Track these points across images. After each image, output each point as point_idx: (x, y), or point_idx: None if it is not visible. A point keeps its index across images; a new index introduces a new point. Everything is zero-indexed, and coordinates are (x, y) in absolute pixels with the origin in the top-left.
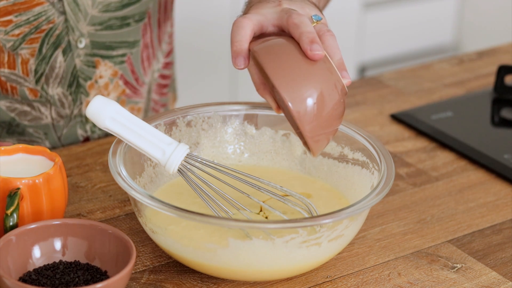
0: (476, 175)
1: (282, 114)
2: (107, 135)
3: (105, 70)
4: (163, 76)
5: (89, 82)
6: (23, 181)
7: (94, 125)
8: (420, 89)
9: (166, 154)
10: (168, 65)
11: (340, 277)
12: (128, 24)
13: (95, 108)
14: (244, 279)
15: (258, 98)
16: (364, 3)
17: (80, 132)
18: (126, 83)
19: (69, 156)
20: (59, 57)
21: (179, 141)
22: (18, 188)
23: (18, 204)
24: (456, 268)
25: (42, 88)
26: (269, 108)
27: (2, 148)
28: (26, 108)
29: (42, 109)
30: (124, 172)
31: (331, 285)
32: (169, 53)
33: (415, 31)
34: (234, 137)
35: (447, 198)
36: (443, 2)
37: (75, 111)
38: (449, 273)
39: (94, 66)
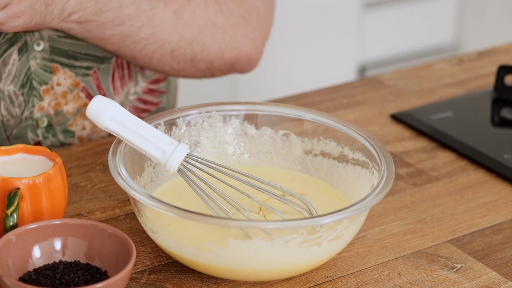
0: (476, 175)
1: (283, 114)
2: (61, 143)
3: (64, 78)
4: (143, 101)
5: (44, 87)
6: (23, 181)
7: (47, 131)
8: (420, 89)
9: (166, 154)
10: (154, 92)
11: (340, 277)
12: None
13: (95, 108)
14: (244, 279)
15: (258, 98)
16: (364, 3)
17: (30, 135)
18: (89, 96)
19: (69, 156)
20: (13, 55)
21: (179, 141)
22: (18, 188)
23: (18, 204)
24: (456, 268)
25: None
26: (269, 108)
27: (2, 148)
28: None
29: None
30: (124, 172)
31: (331, 285)
32: (159, 81)
33: (415, 31)
34: (234, 137)
35: (447, 198)
36: (443, 2)
37: (26, 113)
38: (449, 273)
39: (51, 71)
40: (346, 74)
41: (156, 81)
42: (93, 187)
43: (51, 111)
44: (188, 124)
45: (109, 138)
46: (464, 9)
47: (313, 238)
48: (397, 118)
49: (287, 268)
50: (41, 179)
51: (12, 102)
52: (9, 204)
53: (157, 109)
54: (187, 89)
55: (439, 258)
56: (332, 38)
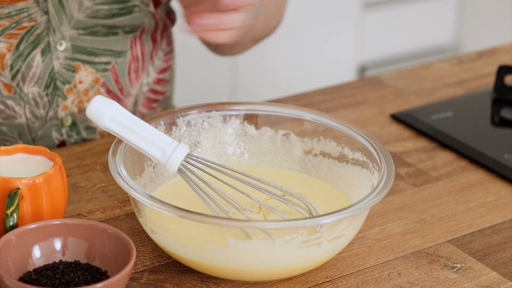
0: (476, 175)
1: (283, 114)
2: (84, 140)
3: (85, 75)
4: (153, 91)
5: (67, 86)
6: (23, 181)
7: (71, 129)
8: (420, 89)
9: (166, 154)
10: (162, 81)
11: (340, 277)
12: (115, 34)
13: (95, 108)
14: (244, 279)
15: (258, 98)
16: (364, 3)
17: (55, 135)
18: (109, 91)
19: (69, 156)
20: (37, 57)
21: (179, 141)
22: (18, 188)
23: (18, 204)
24: (456, 268)
25: (18, 85)
26: (269, 108)
27: (2, 148)
28: (0, 106)
29: (16, 108)
30: (124, 172)
31: (331, 285)
32: (165, 70)
33: (415, 31)
34: (234, 138)
35: (447, 198)
36: (443, 2)
37: (51, 113)
38: (449, 273)
39: (74, 70)
40: (346, 74)
41: (163, 71)
42: (93, 187)
43: (75, 109)
44: (188, 124)
45: (109, 138)
46: (464, 9)
47: (313, 238)
48: (397, 118)
49: (287, 268)
50: (41, 179)
51: (36, 104)
52: (9, 204)
53: (165, 98)
54: (187, 89)
55: (439, 258)
56: (332, 38)
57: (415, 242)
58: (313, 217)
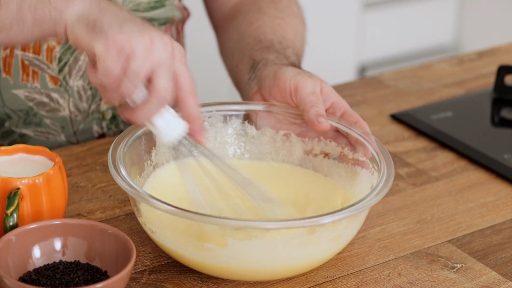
0: (476, 175)
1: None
2: (121, 132)
3: None
4: None
5: None
6: (23, 181)
7: (111, 122)
8: (420, 89)
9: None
10: None
11: (340, 277)
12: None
13: None
14: (244, 279)
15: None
16: (364, 3)
17: (96, 128)
18: None
19: (69, 156)
20: None
21: None
22: (18, 188)
23: (18, 204)
24: (456, 268)
25: (64, 78)
26: (270, 108)
27: (2, 148)
28: (45, 99)
29: (61, 101)
30: (124, 172)
31: (331, 285)
32: None
33: (415, 31)
34: (235, 138)
35: (447, 198)
36: (443, 2)
37: (93, 107)
38: (449, 273)
39: None
40: (346, 74)
41: None
42: (93, 187)
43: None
44: None
45: (109, 138)
46: (464, 9)
47: (312, 238)
48: (397, 118)
49: (287, 268)
50: (41, 179)
51: (80, 97)
52: (9, 204)
53: None
54: None
55: (439, 258)
56: (332, 38)
57: (415, 242)
58: (312, 217)
